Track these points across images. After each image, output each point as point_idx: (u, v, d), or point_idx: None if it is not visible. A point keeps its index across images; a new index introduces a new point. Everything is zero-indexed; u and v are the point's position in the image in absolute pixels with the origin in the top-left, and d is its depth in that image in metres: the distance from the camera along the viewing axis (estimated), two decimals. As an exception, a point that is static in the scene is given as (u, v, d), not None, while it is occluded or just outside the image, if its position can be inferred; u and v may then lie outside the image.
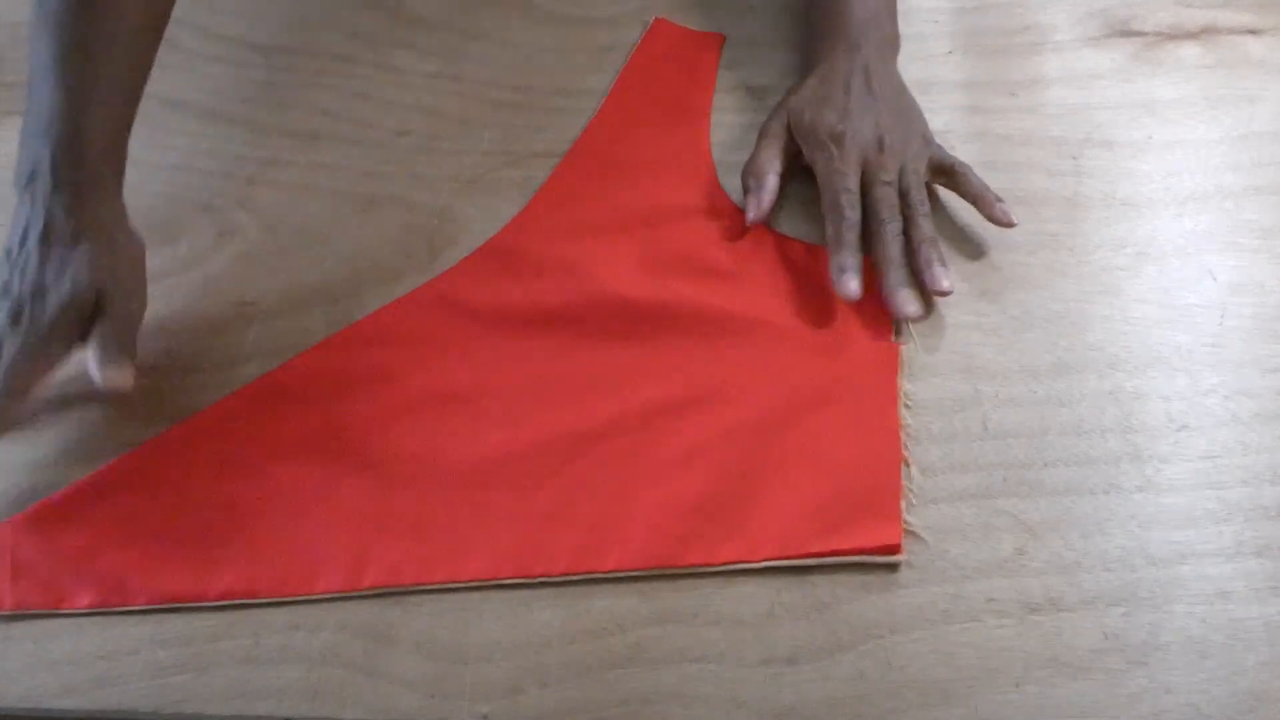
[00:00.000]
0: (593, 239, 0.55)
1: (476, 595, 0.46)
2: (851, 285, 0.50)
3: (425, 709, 0.43)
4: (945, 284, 0.50)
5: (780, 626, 0.44)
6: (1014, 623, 0.43)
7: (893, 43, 0.59)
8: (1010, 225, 0.52)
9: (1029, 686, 0.42)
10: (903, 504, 0.46)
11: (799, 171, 0.56)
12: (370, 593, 0.46)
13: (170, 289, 0.56)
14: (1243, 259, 0.52)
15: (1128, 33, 0.61)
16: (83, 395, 0.51)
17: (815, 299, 0.52)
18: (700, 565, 0.45)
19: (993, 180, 0.54)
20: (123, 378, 0.48)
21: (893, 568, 0.45)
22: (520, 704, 0.43)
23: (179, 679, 0.45)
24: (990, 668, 0.42)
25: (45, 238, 0.48)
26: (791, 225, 0.55)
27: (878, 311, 0.51)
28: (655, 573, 0.45)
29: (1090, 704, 0.41)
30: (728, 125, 0.60)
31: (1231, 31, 0.60)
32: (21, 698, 0.45)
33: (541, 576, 0.46)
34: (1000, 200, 0.53)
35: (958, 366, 0.50)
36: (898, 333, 0.51)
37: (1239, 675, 0.42)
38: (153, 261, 0.57)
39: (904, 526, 0.45)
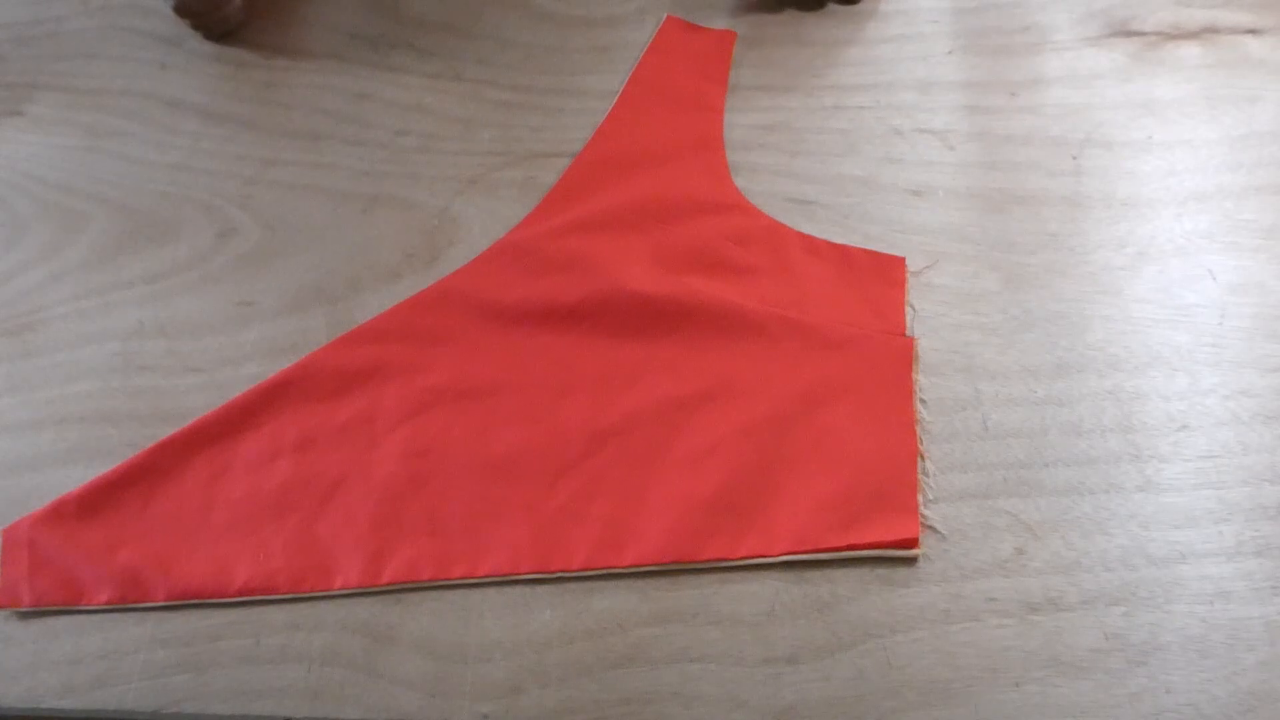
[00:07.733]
0: (607, 235, 0.55)
1: (476, 595, 0.46)
2: None
3: (425, 709, 0.43)
4: None
5: (780, 626, 0.44)
6: (1014, 623, 0.43)
7: None
8: None
9: (1029, 686, 0.42)
10: (920, 499, 0.46)
11: None
12: (372, 591, 0.46)
13: (170, 289, 0.56)
14: (1243, 259, 0.52)
15: (1128, 33, 0.61)
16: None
17: (829, 294, 0.52)
18: (719, 560, 0.45)
19: (993, 180, 0.54)
20: None
21: (893, 566, 0.45)
22: (520, 704, 0.43)
23: (179, 679, 0.45)
24: (990, 667, 0.42)
25: None
26: (804, 222, 0.55)
27: (892, 305, 0.51)
28: (657, 570, 0.45)
29: (1090, 704, 0.41)
30: (740, 123, 0.60)
31: (1231, 31, 0.60)
32: (22, 697, 0.45)
33: (560, 572, 0.46)
34: None
35: (958, 366, 0.50)
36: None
37: (1239, 675, 0.42)
38: (153, 262, 0.57)
39: (921, 521, 0.45)
